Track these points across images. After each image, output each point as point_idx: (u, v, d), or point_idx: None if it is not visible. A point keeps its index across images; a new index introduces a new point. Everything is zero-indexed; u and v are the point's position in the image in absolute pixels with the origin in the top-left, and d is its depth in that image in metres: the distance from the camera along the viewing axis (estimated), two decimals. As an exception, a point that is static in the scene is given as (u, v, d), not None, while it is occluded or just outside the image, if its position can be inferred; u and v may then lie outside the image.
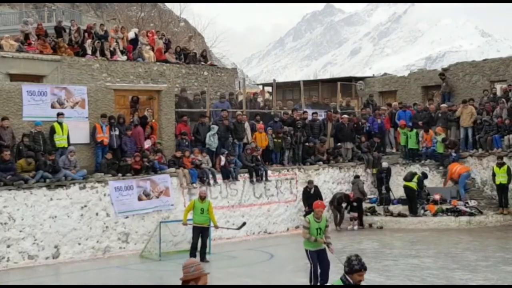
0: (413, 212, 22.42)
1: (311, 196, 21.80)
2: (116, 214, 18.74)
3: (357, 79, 35.97)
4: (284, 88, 36.70)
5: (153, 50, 26.42)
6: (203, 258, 16.89)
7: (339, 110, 27.10)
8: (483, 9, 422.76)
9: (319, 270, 12.90)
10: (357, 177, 24.12)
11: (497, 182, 22.85)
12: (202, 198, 17.42)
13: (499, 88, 27.49)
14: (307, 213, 21.22)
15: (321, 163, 24.29)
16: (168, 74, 25.20)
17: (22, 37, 24.28)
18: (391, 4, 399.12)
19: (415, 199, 22.66)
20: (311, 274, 13.02)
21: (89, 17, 47.59)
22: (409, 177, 22.91)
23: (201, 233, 17.28)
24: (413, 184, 22.62)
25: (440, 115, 25.94)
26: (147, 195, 19.50)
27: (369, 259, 17.13)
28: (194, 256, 17.06)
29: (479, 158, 24.53)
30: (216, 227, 17.64)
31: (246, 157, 22.31)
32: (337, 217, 22.96)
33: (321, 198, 21.17)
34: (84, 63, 23.86)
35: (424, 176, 23.65)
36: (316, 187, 22.33)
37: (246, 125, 23.30)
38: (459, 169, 23.71)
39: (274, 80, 30.89)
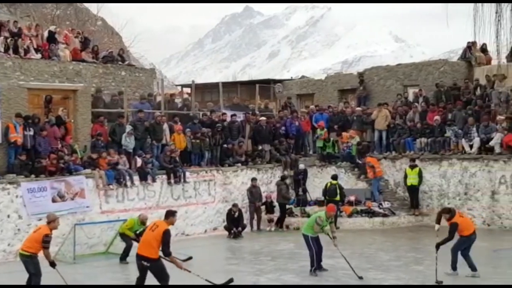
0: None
1: (235, 219, 21.87)
2: (29, 216, 18.23)
3: (275, 81, 36.40)
4: (203, 90, 36.69)
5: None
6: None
7: (257, 112, 27.27)
8: (397, 15, 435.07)
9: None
10: (283, 178, 24.18)
11: (408, 183, 23.55)
12: (143, 223, 17.42)
13: (411, 92, 28.33)
14: (228, 229, 21.70)
15: (239, 164, 24.37)
16: (84, 74, 24.70)
17: None
18: (309, 8, 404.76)
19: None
20: (312, 257, 15.21)
21: (2, 13, 46.08)
22: (335, 177, 23.35)
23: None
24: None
25: (355, 118, 26.52)
26: (62, 197, 19.06)
27: (285, 259, 17.39)
28: (126, 258, 17.10)
29: (392, 161, 25.23)
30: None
31: (164, 158, 22.16)
32: (253, 218, 23.11)
33: (243, 221, 22.19)
34: (-4, 61, 23.08)
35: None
36: (240, 210, 22.18)
37: (165, 126, 23.15)
38: (377, 172, 24.20)
39: (193, 81, 30.77)
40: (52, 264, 12.71)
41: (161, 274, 12.03)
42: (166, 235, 11.93)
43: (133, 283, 13.19)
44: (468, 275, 14.67)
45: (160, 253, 12.15)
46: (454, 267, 14.82)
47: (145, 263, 12.01)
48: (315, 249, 15.25)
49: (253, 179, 23.53)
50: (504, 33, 17.58)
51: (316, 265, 15.31)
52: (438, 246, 14.63)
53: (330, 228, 15.40)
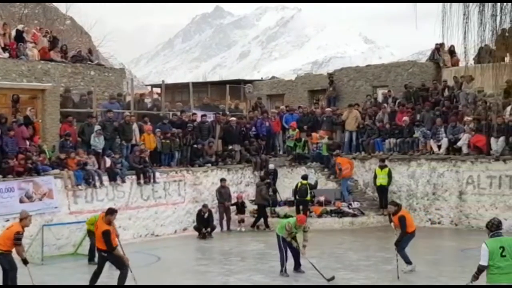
0: (303, 211, 22.57)
1: (204, 220, 21.77)
2: (-4, 217, 18.00)
3: (245, 82, 36.41)
4: (173, 90, 36.54)
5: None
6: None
7: (228, 113, 27.26)
8: (367, 17, 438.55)
9: (289, 254, 15.29)
10: (263, 179, 24.18)
11: (378, 183, 23.71)
12: None
13: (380, 93, 28.57)
14: (198, 230, 21.57)
15: (209, 165, 24.32)
16: (53, 73, 24.45)
17: None
18: (279, 8, 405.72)
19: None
20: (282, 258, 15.17)
21: (-32, 11, 45.38)
22: (305, 177, 23.37)
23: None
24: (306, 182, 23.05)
25: (325, 118, 26.65)
26: (29, 197, 18.81)
27: (255, 260, 17.44)
28: (93, 258, 16.81)
29: (361, 161, 25.41)
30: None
31: (134, 158, 22.03)
32: (223, 218, 23.08)
33: (213, 222, 21.98)
34: (-38, 60, 22.75)
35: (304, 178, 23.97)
36: (210, 211, 22.06)
37: (134, 126, 23.03)
38: (344, 173, 24.27)
39: (163, 81, 30.71)
40: (25, 262, 12.85)
41: (118, 262, 13.25)
42: (105, 236, 12.98)
43: (102, 283, 13.19)
44: (403, 270, 15.03)
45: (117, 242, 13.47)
46: (408, 262, 15.16)
47: (103, 254, 13.38)
48: (284, 249, 15.21)
49: (222, 180, 23.50)
50: (472, 35, 17.72)
51: (285, 264, 15.22)
52: (397, 243, 15.05)
53: (303, 237, 15.26)
